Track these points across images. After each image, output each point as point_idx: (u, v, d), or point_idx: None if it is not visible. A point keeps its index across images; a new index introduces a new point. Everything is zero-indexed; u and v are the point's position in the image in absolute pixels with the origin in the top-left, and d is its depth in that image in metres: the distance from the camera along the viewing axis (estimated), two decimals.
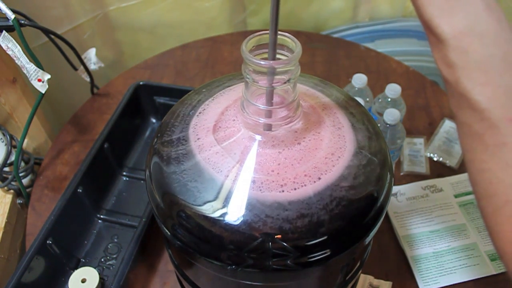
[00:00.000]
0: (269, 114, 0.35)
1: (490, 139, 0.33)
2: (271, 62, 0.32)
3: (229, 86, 0.42)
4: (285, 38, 0.33)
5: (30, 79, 0.62)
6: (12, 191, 0.71)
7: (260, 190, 0.34)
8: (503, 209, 0.34)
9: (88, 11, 0.94)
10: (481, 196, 0.36)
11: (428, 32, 0.34)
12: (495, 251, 0.37)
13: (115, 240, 0.66)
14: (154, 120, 0.82)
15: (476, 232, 0.64)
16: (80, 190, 0.63)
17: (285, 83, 0.33)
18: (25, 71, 0.61)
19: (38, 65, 0.61)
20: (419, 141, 0.76)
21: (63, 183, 0.72)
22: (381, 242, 0.64)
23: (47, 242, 0.58)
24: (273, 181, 0.34)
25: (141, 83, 0.78)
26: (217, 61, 0.93)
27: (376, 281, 0.59)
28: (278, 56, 0.34)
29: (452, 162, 0.73)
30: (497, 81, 0.32)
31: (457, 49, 0.32)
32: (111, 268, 0.62)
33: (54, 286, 0.60)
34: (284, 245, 0.33)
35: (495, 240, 0.36)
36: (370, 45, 0.98)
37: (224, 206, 0.34)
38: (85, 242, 0.65)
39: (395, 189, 0.70)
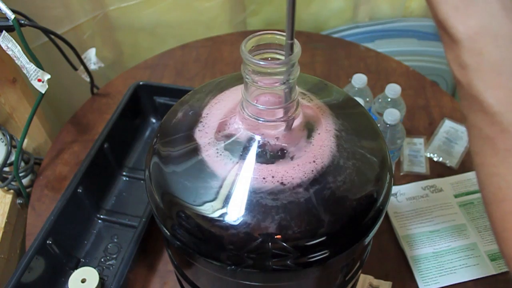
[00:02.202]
0: (268, 114, 0.35)
1: (501, 143, 0.32)
2: (271, 62, 0.32)
3: (229, 86, 0.42)
4: (284, 38, 0.33)
5: (30, 79, 0.62)
6: (12, 191, 0.71)
7: (260, 190, 0.34)
8: None
9: (88, 11, 0.94)
10: (490, 201, 0.35)
11: (442, 32, 0.33)
12: (503, 257, 0.36)
13: (115, 240, 0.66)
14: (154, 120, 0.82)
15: (476, 232, 0.64)
16: (80, 190, 0.63)
17: (284, 83, 0.33)
18: (25, 71, 0.61)
19: (38, 65, 0.61)
20: (419, 141, 0.76)
21: (63, 183, 0.72)
22: (381, 242, 0.64)
23: (47, 242, 0.58)
24: (272, 182, 0.34)
25: (141, 83, 0.78)
26: (217, 61, 0.93)
27: (376, 281, 0.59)
28: (277, 56, 0.34)
29: (452, 162, 0.73)
30: (510, 85, 0.31)
31: (471, 50, 0.31)
32: (111, 268, 0.62)
33: (54, 286, 0.60)
34: (283, 245, 0.33)
35: (503, 247, 0.35)
36: (370, 45, 0.98)
37: (223, 206, 0.34)
38: (85, 242, 0.65)
39: (395, 189, 0.70)
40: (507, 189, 0.33)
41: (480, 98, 0.32)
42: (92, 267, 0.59)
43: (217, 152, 0.36)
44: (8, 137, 0.70)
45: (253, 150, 0.35)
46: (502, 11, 0.31)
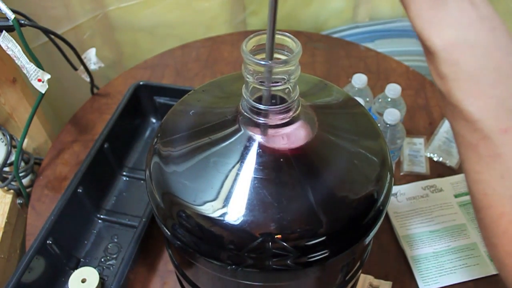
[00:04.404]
0: (269, 115, 0.35)
1: (483, 150, 0.33)
2: (271, 62, 0.32)
3: (229, 85, 0.42)
4: (285, 38, 0.33)
5: (30, 79, 0.62)
6: (12, 191, 0.71)
7: (260, 190, 0.34)
8: (499, 221, 0.34)
9: (88, 11, 0.94)
10: (478, 208, 0.35)
11: (421, 43, 0.34)
12: (493, 262, 0.36)
13: (115, 240, 0.66)
14: (154, 120, 0.82)
15: (476, 232, 0.64)
16: (80, 190, 0.63)
17: (285, 83, 0.33)
18: (25, 71, 0.61)
19: (38, 65, 0.61)
20: (419, 141, 0.76)
21: (63, 183, 0.72)
22: (381, 242, 0.64)
23: (47, 242, 0.58)
24: (272, 181, 0.34)
25: (141, 83, 0.78)
26: (217, 61, 0.93)
27: (376, 281, 0.59)
28: (278, 56, 0.34)
29: (452, 162, 0.73)
30: (489, 92, 0.32)
31: (448, 61, 0.32)
32: (111, 268, 0.62)
33: (54, 286, 0.60)
34: (284, 245, 0.33)
35: (493, 252, 0.36)
36: (370, 45, 0.98)
37: (224, 206, 0.34)
38: (85, 242, 0.65)
39: (395, 189, 0.70)
40: (492, 196, 0.34)
41: (460, 107, 0.33)
42: (92, 267, 0.59)
43: (218, 152, 0.36)
44: (8, 137, 0.70)
45: (253, 149, 0.35)
46: (478, 20, 0.31)
